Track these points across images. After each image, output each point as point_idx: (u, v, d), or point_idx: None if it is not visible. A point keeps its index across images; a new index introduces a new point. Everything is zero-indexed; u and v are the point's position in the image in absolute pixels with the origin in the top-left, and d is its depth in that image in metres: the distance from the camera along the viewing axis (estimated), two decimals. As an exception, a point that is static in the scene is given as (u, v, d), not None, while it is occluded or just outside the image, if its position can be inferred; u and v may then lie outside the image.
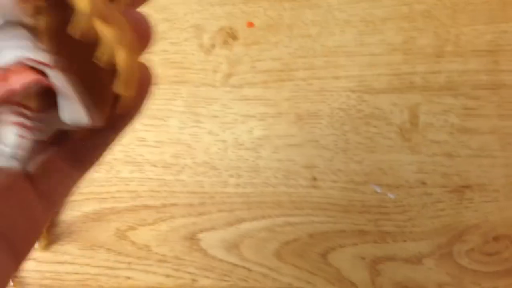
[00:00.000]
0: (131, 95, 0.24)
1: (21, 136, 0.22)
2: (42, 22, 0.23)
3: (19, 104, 0.22)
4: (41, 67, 0.22)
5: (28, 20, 0.23)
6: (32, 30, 0.23)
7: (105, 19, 0.23)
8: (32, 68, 0.22)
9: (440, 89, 0.48)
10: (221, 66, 0.50)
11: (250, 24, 0.51)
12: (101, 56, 0.23)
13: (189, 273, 0.43)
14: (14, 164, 0.22)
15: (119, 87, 0.23)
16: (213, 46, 0.51)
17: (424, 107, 0.47)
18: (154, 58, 0.50)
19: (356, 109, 0.48)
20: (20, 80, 0.22)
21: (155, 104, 0.49)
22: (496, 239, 0.43)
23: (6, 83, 0.22)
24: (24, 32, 0.23)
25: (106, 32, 0.23)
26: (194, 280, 0.43)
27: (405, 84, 0.48)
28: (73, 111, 0.22)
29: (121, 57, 0.23)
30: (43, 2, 0.23)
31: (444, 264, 0.42)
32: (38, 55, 0.22)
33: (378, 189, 0.45)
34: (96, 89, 0.24)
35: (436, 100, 0.47)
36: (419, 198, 0.44)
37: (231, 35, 0.51)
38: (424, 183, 0.45)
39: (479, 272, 0.42)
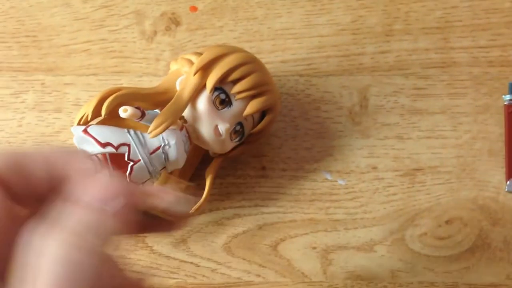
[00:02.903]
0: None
1: None
2: None
3: None
4: None
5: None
6: None
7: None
8: None
9: (389, 69, 0.46)
10: (164, 54, 0.48)
11: (193, 8, 0.49)
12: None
13: (135, 272, 0.41)
14: None
15: None
16: (155, 33, 0.49)
17: (374, 88, 0.46)
18: (92, 47, 0.48)
19: (304, 94, 0.46)
20: None
21: (95, 96, 0.46)
22: (448, 222, 0.42)
23: None
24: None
25: None
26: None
27: (354, 65, 0.47)
28: None
29: None
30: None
31: (396, 250, 0.41)
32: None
33: (329, 176, 0.43)
34: None
35: (386, 81, 0.46)
36: (370, 183, 0.43)
37: (173, 21, 0.49)
38: (375, 168, 0.44)
39: (432, 257, 0.41)
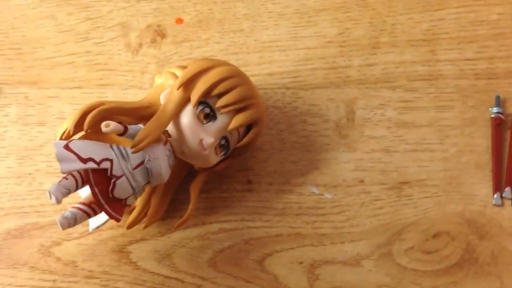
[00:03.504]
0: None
1: None
2: None
3: None
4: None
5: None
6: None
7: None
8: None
9: (376, 81, 0.46)
10: (150, 67, 0.47)
11: (179, 21, 0.49)
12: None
13: (118, 288, 0.41)
14: None
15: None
16: (140, 45, 0.48)
17: (361, 101, 0.45)
18: (76, 60, 0.47)
19: (291, 107, 0.46)
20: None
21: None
22: (435, 236, 0.41)
23: None
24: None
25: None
26: (123, 296, 0.41)
27: (341, 78, 0.46)
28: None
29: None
30: None
31: (383, 265, 0.41)
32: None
33: (315, 190, 0.43)
34: None
35: (372, 94, 0.46)
36: (357, 197, 0.43)
37: (159, 33, 0.49)
38: (362, 181, 0.43)
39: (419, 271, 0.41)
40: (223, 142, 0.39)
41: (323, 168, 0.44)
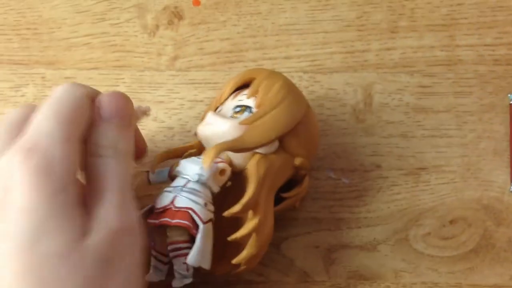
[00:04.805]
0: (242, 270, 0.35)
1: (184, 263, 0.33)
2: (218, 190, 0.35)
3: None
4: (198, 220, 0.33)
5: (215, 188, 0.35)
6: (212, 195, 0.34)
7: (255, 210, 0.34)
8: (191, 217, 0.32)
9: (394, 66, 0.46)
10: (166, 49, 0.47)
11: (196, 2, 0.49)
12: (237, 234, 0.34)
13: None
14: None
15: (237, 260, 0.34)
16: (157, 27, 0.48)
17: (379, 86, 0.45)
18: (93, 41, 0.47)
19: (308, 91, 0.46)
20: (179, 220, 0.32)
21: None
22: (452, 222, 0.41)
23: (171, 218, 0.33)
24: (206, 193, 0.34)
25: (252, 220, 0.34)
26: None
27: (359, 62, 0.46)
28: (199, 256, 0.32)
29: (251, 243, 0.34)
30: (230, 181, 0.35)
31: (400, 250, 0.41)
32: (203, 213, 0.33)
33: (332, 174, 0.43)
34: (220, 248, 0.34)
35: (390, 79, 0.45)
36: (374, 182, 0.43)
37: (176, 15, 0.48)
38: (379, 166, 0.43)
39: (435, 257, 0.41)
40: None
41: (340, 152, 0.44)
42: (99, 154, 0.31)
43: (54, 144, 0.28)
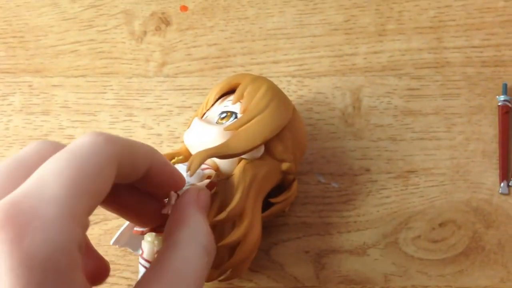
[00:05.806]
0: (230, 276, 0.36)
1: None
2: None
3: None
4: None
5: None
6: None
7: (242, 217, 0.34)
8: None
9: (383, 69, 0.46)
10: (154, 55, 0.47)
11: (184, 8, 0.48)
12: (224, 241, 0.33)
13: (125, 278, 0.41)
14: None
15: (226, 266, 0.34)
16: (144, 33, 0.48)
17: (367, 89, 0.45)
18: (80, 48, 0.47)
19: (297, 95, 0.45)
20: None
21: (83, 98, 0.46)
22: (442, 225, 0.41)
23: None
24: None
25: (239, 227, 0.34)
26: (130, 285, 0.41)
27: (347, 65, 0.46)
28: None
29: (239, 250, 0.34)
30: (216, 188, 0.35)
31: (389, 254, 0.41)
32: None
33: (322, 179, 0.43)
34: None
35: (379, 82, 0.45)
36: (364, 185, 0.43)
37: (163, 21, 0.48)
38: (368, 170, 0.43)
39: (425, 260, 0.41)
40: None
41: (329, 156, 0.44)
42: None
43: (53, 219, 0.20)
